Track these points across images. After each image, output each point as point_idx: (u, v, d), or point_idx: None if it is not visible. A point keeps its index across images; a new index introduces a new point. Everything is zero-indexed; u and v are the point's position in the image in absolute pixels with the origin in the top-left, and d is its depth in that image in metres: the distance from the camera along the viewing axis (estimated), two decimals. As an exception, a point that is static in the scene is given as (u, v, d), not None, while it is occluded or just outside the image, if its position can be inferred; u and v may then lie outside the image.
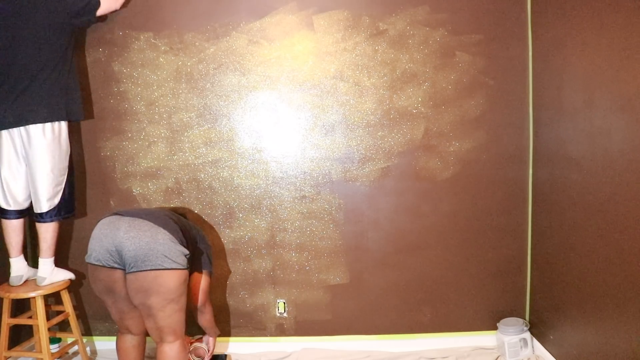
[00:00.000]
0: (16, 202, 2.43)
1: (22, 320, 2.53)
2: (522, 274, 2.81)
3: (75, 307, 2.81)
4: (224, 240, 2.83)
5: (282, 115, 2.76)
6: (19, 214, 2.46)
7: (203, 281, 2.37)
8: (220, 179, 2.80)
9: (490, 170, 2.76)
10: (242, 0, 2.73)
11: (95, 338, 2.92)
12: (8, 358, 2.57)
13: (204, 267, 2.38)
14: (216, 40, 2.74)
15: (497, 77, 2.72)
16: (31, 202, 2.45)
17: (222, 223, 2.82)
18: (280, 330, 2.86)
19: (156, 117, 2.78)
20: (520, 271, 2.81)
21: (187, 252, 2.02)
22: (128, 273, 1.95)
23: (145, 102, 2.78)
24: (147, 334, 2.20)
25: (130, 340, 2.18)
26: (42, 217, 2.41)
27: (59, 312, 2.65)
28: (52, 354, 2.44)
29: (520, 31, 2.69)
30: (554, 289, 2.49)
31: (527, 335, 2.67)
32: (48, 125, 2.35)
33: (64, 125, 2.44)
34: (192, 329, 2.63)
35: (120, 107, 2.78)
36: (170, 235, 1.98)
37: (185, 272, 2.02)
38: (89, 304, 2.90)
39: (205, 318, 2.44)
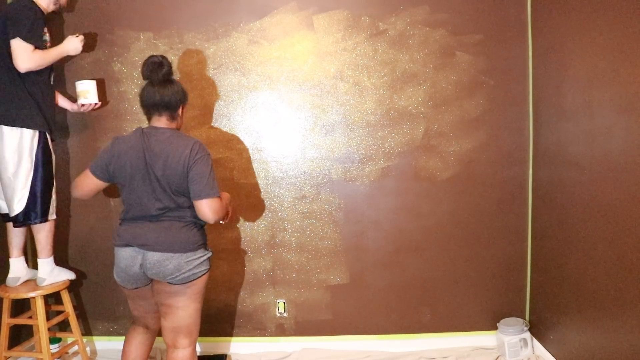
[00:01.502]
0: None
1: (22, 320, 2.53)
2: (522, 274, 2.81)
3: (75, 307, 2.82)
4: (224, 240, 2.83)
5: (282, 115, 2.76)
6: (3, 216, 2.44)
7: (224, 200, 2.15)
8: (220, 179, 2.80)
9: (490, 170, 2.76)
10: (242, 0, 2.73)
11: (95, 338, 2.92)
12: (8, 358, 2.57)
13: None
14: (216, 41, 2.74)
15: (497, 77, 2.72)
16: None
17: (222, 224, 2.81)
18: (280, 330, 2.87)
19: (156, 117, 2.78)
20: (520, 271, 2.81)
21: (209, 253, 2.03)
22: (157, 282, 1.96)
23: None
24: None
25: (143, 334, 2.16)
26: (20, 221, 2.32)
27: (59, 312, 2.65)
28: (52, 354, 2.44)
29: (520, 31, 2.69)
30: (554, 289, 2.49)
31: (527, 335, 2.67)
32: (4, 128, 2.24)
33: (6, 129, 2.25)
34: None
35: (120, 107, 2.78)
36: (189, 253, 1.95)
37: (204, 279, 2.00)
38: (89, 304, 2.90)
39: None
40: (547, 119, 2.53)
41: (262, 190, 2.80)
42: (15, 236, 2.47)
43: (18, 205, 2.30)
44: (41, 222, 2.36)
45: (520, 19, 2.69)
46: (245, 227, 2.82)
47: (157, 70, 1.98)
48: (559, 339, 2.45)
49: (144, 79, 2.02)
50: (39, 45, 2.26)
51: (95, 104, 2.60)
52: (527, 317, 2.82)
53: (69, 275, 2.55)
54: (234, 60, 2.74)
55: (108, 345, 2.90)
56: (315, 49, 2.73)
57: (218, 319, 2.88)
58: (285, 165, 2.78)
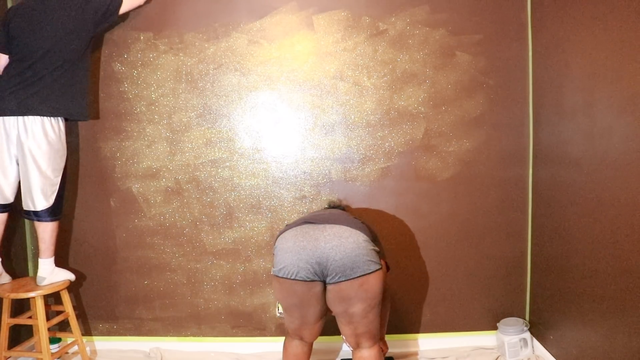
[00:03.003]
0: (3, 196, 2.40)
1: (22, 320, 2.53)
2: (522, 274, 2.81)
3: (75, 307, 2.82)
4: (224, 240, 2.83)
5: (282, 115, 2.76)
6: (3, 208, 2.43)
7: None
8: (220, 179, 2.80)
9: (490, 170, 2.76)
10: (242, 0, 2.73)
11: (95, 338, 2.92)
12: (8, 358, 2.57)
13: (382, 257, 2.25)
14: (216, 40, 2.74)
15: (497, 77, 2.72)
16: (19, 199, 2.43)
17: (222, 223, 2.82)
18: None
19: (156, 117, 2.78)
20: (520, 271, 2.81)
21: (378, 249, 1.98)
22: (331, 284, 1.88)
23: (145, 102, 2.78)
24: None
25: (302, 347, 2.12)
26: (38, 216, 2.39)
27: (59, 312, 2.65)
28: (52, 354, 2.44)
29: (520, 31, 2.69)
30: (554, 289, 2.49)
31: (527, 335, 2.67)
32: (47, 120, 2.35)
33: (62, 124, 2.44)
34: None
35: (120, 107, 2.78)
36: (366, 237, 1.92)
37: (384, 272, 1.97)
38: (89, 304, 2.90)
39: (386, 308, 2.33)
40: (547, 119, 2.53)
41: (262, 190, 2.80)
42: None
43: (48, 200, 2.36)
44: (57, 219, 2.43)
45: (520, 19, 2.69)
46: (245, 227, 2.82)
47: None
48: (559, 339, 2.45)
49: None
50: None
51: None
52: (527, 317, 2.82)
53: (69, 275, 2.55)
54: (234, 60, 2.74)
55: (108, 345, 2.90)
56: (315, 49, 2.73)
57: (218, 319, 2.88)
58: (285, 165, 2.78)
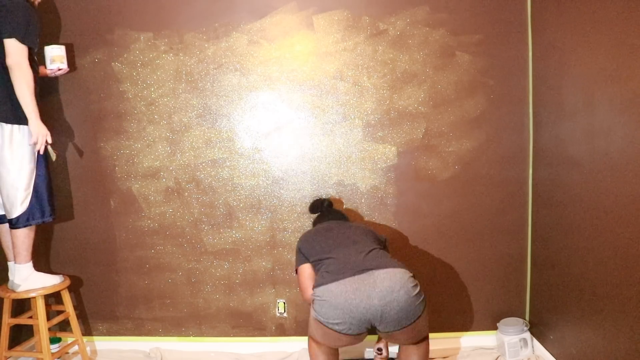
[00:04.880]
0: None
1: (22, 320, 2.53)
2: (522, 274, 2.81)
3: (75, 307, 2.82)
4: (224, 240, 2.83)
5: (282, 115, 2.76)
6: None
7: None
8: (220, 179, 2.80)
9: (490, 170, 2.76)
10: (242, 0, 2.73)
11: (95, 338, 2.92)
12: (8, 358, 2.57)
13: None
14: (216, 40, 2.74)
15: (497, 77, 2.71)
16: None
17: (222, 223, 2.82)
18: (280, 330, 2.87)
19: (156, 117, 2.78)
20: (520, 271, 2.81)
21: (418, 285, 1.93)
22: (384, 332, 1.89)
23: (145, 102, 2.78)
24: None
25: (332, 351, 2.08)
26: (13, 224, 2.29)
27: (59, 312, 2.65)
28: (52, 353, 2.44)
29: (520, 31, 2.69)
30: (554, 289, 2.49)
31: (527, 335, 2.67)
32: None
33: (15, 128, 2.25)
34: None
35: (120, 107, 2.79)
36: (409, 274, 1.90)
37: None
38: (89, 304, 2.90)
39: None
40: (547, 119, 2.53)
41: (262, 190, 2.80)
42: (9, 239, 2.44)
43: (22, 207, 2.27)
44: (52, 219, 2.38)
45: (520, 19, 2.69)
46: (245, 227, 2.82)
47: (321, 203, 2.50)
48: (559, 339, 2.45)
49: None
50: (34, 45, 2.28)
51: (67, 69, 2.56)
52: (527, 317, 2.82)
53: (51, 281, 2.46)
54: (234, 60, 2.74)
55: (108, 345, 2.90)
56: (315, 49, 2.73)
57: (218, 319, 2.88)
58: (285, 165, 2.78)
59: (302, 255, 2.17)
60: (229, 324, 2.88)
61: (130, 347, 2.88)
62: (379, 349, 2.44)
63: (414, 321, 1.85)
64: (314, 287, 1.94)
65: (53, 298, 2.77)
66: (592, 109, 2.06)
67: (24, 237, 2.33)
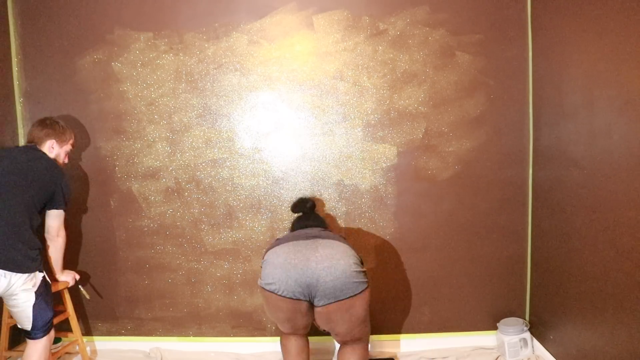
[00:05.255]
0: None
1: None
2: (522, 274, 2.81)
3: (75, 307, 2.81)
4: (224, 240, 2.83)
5: (282, 115, 2.76)
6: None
7: None
8: (220, 179, 2.80)
9: (490, 170, 2.76)
10: (242, 0, 2.73)
11: (95, 338, 2.92)
12: (8, 358, 2.57)
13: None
14: (216, 40, 2.74)
15: (497, 77, 2.71)
16: None
17: (222, 223, 2.82)
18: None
19: (156, 117, 2.78)
20: (520, 271, 2.81)
21: (364, 269, 1.99)
22: (318, 306, 1.90)
23: (145, 102, 2.78)
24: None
25: (299, 340, 2.17)
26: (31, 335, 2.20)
27: (59, 312, 2.64)
28: (52, 353, 2.44)
29: (520, 31, 2.69)
30: (554, 289, 2.49)
31: (527, 335, 2.67)
32: None
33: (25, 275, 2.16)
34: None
35: (120, 107, 2.78)
36: (356, 259, 1.94)
37: (369, 291, 1.98)
38: (89, 303, 2.90)
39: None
40: (547, 119, 2.53)
41: (262, 190, 2.80)
42: None
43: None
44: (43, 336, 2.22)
45: (520, 19, 2.69)
46: (245, 227, 2.82)
47: (303, 203, 2.40)
48: (559, 339, 2.45)
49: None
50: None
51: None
52: (527, 317, 2.82)
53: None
54: (234, 60, 2.74)
55: (108, 345, 2.90)
56: (315, 49, 2.73)
57: (218, 319, 2.88)
58: (285, 166, 2.78)
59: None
60: (229, 324, 2.88)
61: (130, 347, 2.88)
62: None
63: (350, 297, 1.86)
64: (264, 256, 2.03)
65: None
66: (592, 109, 2.06)
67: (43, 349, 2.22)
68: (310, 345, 2.28)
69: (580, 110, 2.17)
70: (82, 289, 2.67)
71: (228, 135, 2.78)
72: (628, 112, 1.81)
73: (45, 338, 2.20)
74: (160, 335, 2.90)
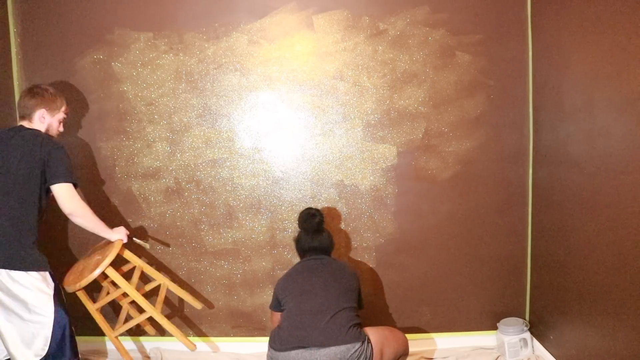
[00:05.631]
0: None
1: (107, 298, 2.43)
2: (522, 274, 2.81)
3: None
4: (224, 240, 2.83)
5: (282, 115, 2.76)
6: None
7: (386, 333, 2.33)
8: (220, 179, 2.80)
9: (490, 170, 2.76)
10: (242, 0, 2.73)
11: (95, 338, 2.92)
12: (118, 336, 2.46)
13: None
14: (216, 40, 2.74)
15: (497, 77, 2.71)
16: None
17: (222, 223, 2.82)
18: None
19: (156, 117, 2.78)
20: (520, 271, 2.81)
21: (364, 334, 2.09)
22: None
23: (145, 102, 2.78)
24: None
25: None
26: None
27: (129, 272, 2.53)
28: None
29: (520, 31, 2.69)
30: (554, 289, 2.49)
31: (527, 335, 2.67)
32: None
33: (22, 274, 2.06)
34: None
35: (120, 107, 2.78)
36: (356, 353, 2.00)
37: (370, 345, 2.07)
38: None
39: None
40: (547, 119, 2.53)
41: (262, 190, 2.80)
42: None
43: (41, 351, 2.04)
44: None
45: (520, 19, 2.69)
46: (246, 227, 2.82)
47: (310, 220, 2.35)
48: (559, 339, 2.45)
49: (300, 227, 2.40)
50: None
51: None
52: (527, 317, 2.82)
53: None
54: (234, 60, 2.74)
55: (108, 345, 2.90)
56: (315, 49, 2.73)
57: (218, 319, 2.88)
58: (285, 166, 2.78)
59: (277, 300, 2.24)
60: (229, 324, 2.88)
61: (130, 347, 2.88)
62: None
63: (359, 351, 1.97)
64: (270, 339, 2.10)
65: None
66: (592, 109, 2.06)
67: None
68: None
69: (580, 110, 2.17)
70: (137, 240, 2.53)
71: (228, 135, 2.78)
72: (628, 112, 1.81)
73: None
74: (160, 335, 2.89)
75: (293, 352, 1.98)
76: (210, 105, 2.77)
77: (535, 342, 2.70)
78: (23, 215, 2.11)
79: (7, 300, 2.04)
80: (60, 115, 2.32)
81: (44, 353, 2.04)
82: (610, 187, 1.94)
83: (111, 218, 2.84)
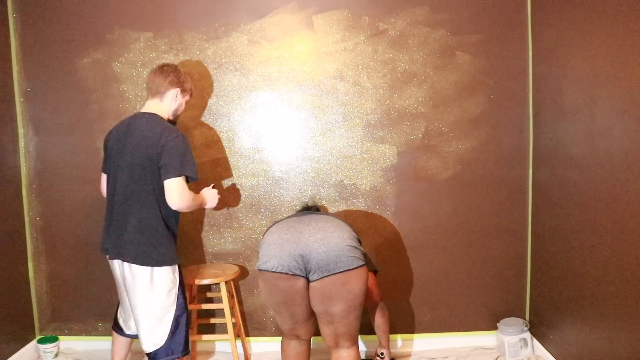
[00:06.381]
0: (128, 327, 2.31)
1: (208, 306, 2.62)
2: (522, 274, 2.81)
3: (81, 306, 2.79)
4: (224, 240, 2.83)
5: (282, 115, 2.76)
6: (130, 334, 2.31)
7: (373, 279, 2.29)
8: (220, 179, 2.80)
9: (490, 170, 2.76)
10: (242, 0, 2.73)
11: (95, 338, 2.92)
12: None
13: (370, 266, 2.27)
14: (216, 40, 2.74)
15: (497, 77, 2.71)
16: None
17: (222, 223, 2.82)
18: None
19: (156, 117, 2.78)
20: (520, 271, 2.81)
21: (364, 251, 1.96)
22: (314, 281, 1.84)
23: (145, 102, 2.77)
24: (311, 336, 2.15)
25: (300, 346, 2.11)
26: (152, 358, 2.11)
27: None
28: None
29: (520, 31, 2.69)
30: (554, 289, 2.49)
31: (527, 335, 2.67)
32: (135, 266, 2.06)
33: (156, 270, 2.06)
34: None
35: (120, 107, 2.78)
36: (352, 234, 1.91)
37: (367, 272, 1.92)
38: (89, 303, 2.89)
39: (385, 315, 2.32)
40: (547, 119, 2.53)
41: (262, 190, 2.80)
42: (120, 349, 2.35)
43: (152, 341, 2.09)
44: (183, 356, 2.14)
45: (520, 19, 2.69)
46: (246, 227, 2.82)
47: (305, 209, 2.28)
48: (559, 339, 2.45)
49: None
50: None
51: None
52: (527, 317, 2.82)
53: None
54: (234, 60, 2.74)
55: (108, 345, 2.89)
56: (315, 49, 2.73)
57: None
58: (285, 166, 2.78)
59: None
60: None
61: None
62: (381, 354, 2.45)
63: (344, 271, 1.81)
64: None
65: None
66: (592, 109, 2.06)
67: None
68: (315, 346, 2.25)
69: (580, 110, 2.17)
70: (210, 187, 2.42)
71: (228, 135, 2.78)
72: (628, 112, 1.81)
73: None
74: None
75: (287, 219, 1.95)
76: (210, 105, 2.77)
77: (535, 342, 2.70)
78: (150, 209, 2.05)
79: (135, 288, 2.05)
80: (187, 97, 2.28)
81: (162, 343, 2.09)
82: (610, 187, 1.94)
83: (111, 218, 2.84)
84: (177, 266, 2.14)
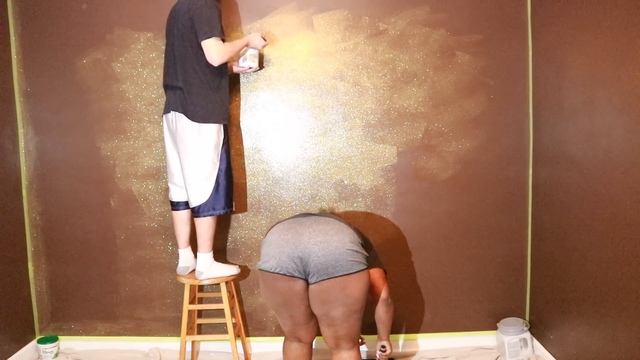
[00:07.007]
0: (178, 193, 2.51)
1: (205, 306, 2.64)
2: (522, 274, 2.81)
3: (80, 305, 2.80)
4: (224, 240, 2.83)
5: (282, 115, 2.76)
6: (186, 205, 2.51)
7: (380, 276, 2.28)
8: (220, 179, 2.80)
9: (490, 170, 2.76)
10: (242, 0, 2.73)
11: (95, 338, 2.92)
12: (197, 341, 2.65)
13: (377, 265, 2.28)
14: (216, 40, 2.74)
15: (497, 77, 2.72)
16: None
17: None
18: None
19: (156, 117, 2.78)
20: (520, 271, 2.81)
21: (367, 254, 1.94)
22: (313, 283, 1.84)
23: (145, 102, 2.78)
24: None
25: (301, 349, 2.10)
26: (196, 213, 2.40)
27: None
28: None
29: (520, 31, 2.69)
30: (554, 289, 2.49)
31: (527, 335, 2.67)
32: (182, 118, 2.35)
33: (204, 126, 2.35)
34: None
35: (120, 107, 2.78)
36: (354, 238, 1.89)
37: (368, 276, 1.92)
38: (89, 303, 2.90)
39: (389, 311, 2.32)
40: (547, 119, 2.53)
41: (262, 190, 2.80)
42: (182, 227, 2.55)
43: (202, 197, 2.37)
44: (228, 212, 2.46)
45: (520, 19, 2.69)
46: (245, 227, 2.82)
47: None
48: (559, 339, 2.46)
49: None
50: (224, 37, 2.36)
51: (257, 68, 2.63)
52: (527, 317, 2.82)
53: (229, 271, 2.53)
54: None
55: (108, 345, 2.90)
56: (315, 49, 2.73)
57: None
58: (285, 166, 2.78)
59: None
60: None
61: (130, 347, 2.88)
62: (383, 346, 2.44)
63: (343, 275, 1.81)
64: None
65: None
66: (592, 109, 2.07)
67: (207, 227, 2.43)
68: (316, 346, 2.24)
69: (580, 110, 2.17)
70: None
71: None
72: (628, 112, 1.82)
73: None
74: (160, 335, 2.89)
75: (288, 220, 1.95)
76: (210, 105, 2.77)
77: (535, 342, 2.70)
78: (194, 73, 2.34)
79: (184, 141, 2.34)
80: None
81: (205, 199, 2.37)
82: (610, 187, 1.94)
83: (111, 218, 2.84)
84: (222, 126, 2.41)
